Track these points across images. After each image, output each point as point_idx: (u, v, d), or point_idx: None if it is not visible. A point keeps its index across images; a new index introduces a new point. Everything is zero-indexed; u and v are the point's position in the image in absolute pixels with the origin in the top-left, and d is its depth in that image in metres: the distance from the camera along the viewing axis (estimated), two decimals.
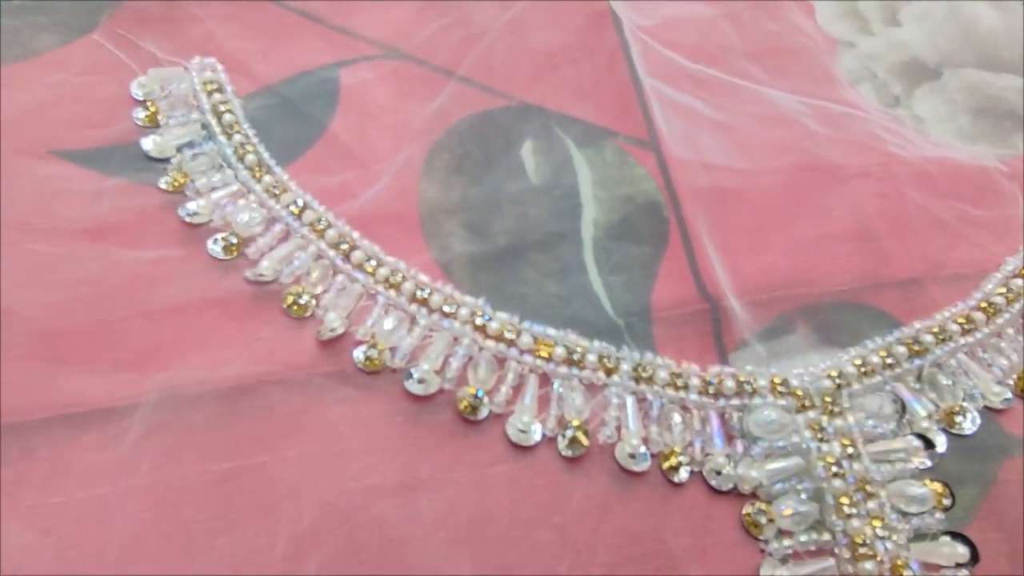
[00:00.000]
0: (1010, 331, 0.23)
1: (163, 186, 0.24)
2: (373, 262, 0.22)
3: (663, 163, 0.25)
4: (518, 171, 0.25)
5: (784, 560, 0.18)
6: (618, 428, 0.20)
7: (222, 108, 0.25)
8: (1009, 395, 0.22)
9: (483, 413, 0.20)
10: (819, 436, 0.20)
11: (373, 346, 0.21)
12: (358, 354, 0.20)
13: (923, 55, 0.31)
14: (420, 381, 0.20)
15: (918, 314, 0.23)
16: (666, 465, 0.19)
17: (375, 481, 0.18)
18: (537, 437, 0.20)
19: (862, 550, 0.18)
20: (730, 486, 0.19)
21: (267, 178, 0.24)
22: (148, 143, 0.24)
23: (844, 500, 0.19)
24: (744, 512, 0.19)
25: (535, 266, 0.23)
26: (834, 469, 0.19)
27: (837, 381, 0.21)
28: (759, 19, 0.30)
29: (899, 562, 0.18)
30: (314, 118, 0.26)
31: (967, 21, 0.32)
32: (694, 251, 0.23)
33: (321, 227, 0.23)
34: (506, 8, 0.28)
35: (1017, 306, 0.23)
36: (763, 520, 0.19)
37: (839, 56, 0.30)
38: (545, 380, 0.21)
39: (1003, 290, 0.24)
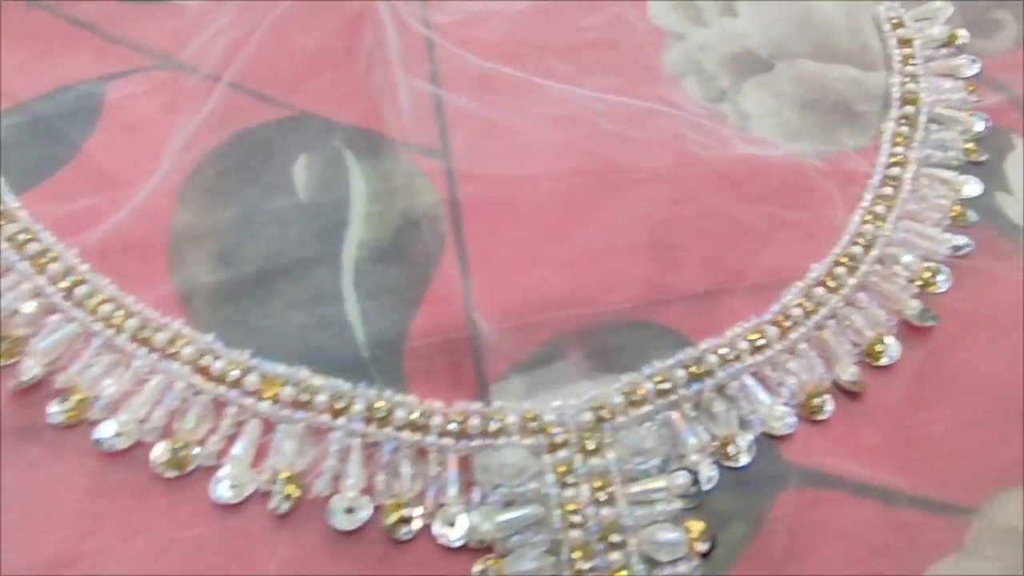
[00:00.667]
0: (803, 346, 0.21)
1: None
2: (97, 298, 0.20)
3: (450, 172, 0.23)
4: (285, 188, 0.23)
5: None
6: (336, 478, 0.18)
7: None
8: (792, 419, 0.20)
9: (191, 466, 0.18)
10: (565, 480, 0.18)
11: (68, 396, 0.18)
12: (52, 406, 0.18)
13: (757, 46, 0.29)
14: (117, 434, 0.18)
15: (710, 331, 0.21)
16: (389, 520, 0.17)
17: (27, 559, 0.16)
18: (248, 492, 0.17)
19: None
20: (462, 541, 0.17)
21: None
22: None
23: (577, 555, 0.17)
24: (474, 570, 0.17)
25: (284, 295, 0.21)
26: (573, 519, 0.17)
27: (599, 414, 0.19)
28: (579, 13, 0.28)
29: None
30: (66, 137, 0.24)
31: (805, 10, 0.30)
32: (468, 271, 0.21)
33: (44, 260, 0.21)
34: (271, 8, 0.25)
35: (815, 318, 0.21)
36: None
37: (666, 49, 0.28)
38: (269, 427, 0.18)
39: (802, 300, 0.22)
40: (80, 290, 0.20)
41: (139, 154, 0.24)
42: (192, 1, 0.26)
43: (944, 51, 0.29)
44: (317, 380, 0.19)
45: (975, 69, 0.28)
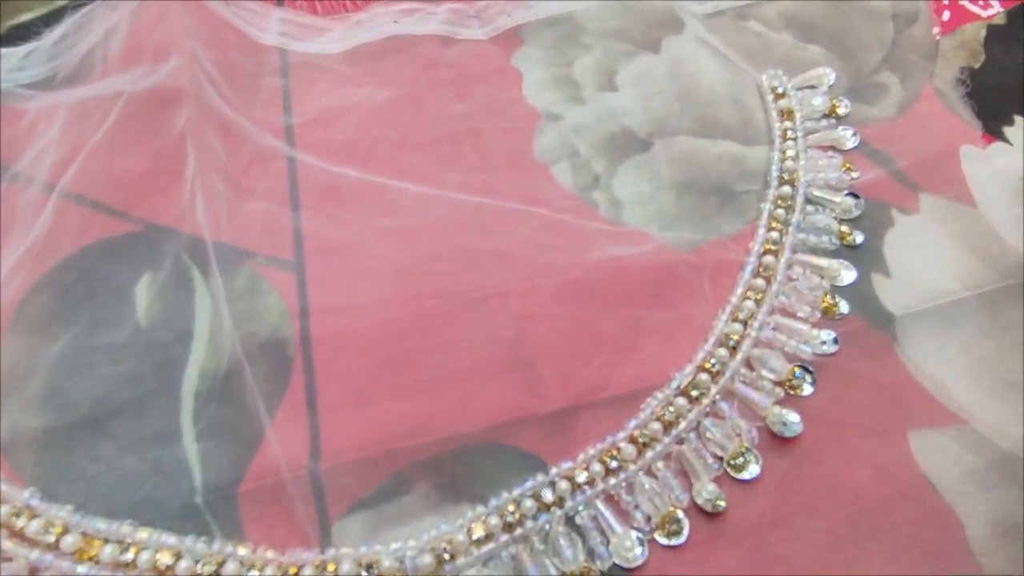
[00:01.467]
0: (660, 464, 0.22)
1: None
2: None
3: (303, 287, 0.24)
4: (123, 317, 0.23)
5: None
6: None
7: None
8: (641, 550, 0.21)
9: None
10: None
11: None
12: None
13: (635, 124, 0.30)
14: None
15: (566, 452, 0.22)
16: None
17: None
18: None
19: None
20: None
21: None
22: None
23: None
24: None
25: (116, 437, 0.21)
26: None
27: (441, 555, 0.20)
28: (444, 100, 0.29)
29: None
30: None
31: (689, 79, 0.32)
32: (315, 401, 0.22)
33: None
34: (97, 125, 0.26)
35: (675, 432, 0.22)
36: None
37: (539, 134, 0.30)
38: None
39: (662, 413, 0.23)
40: None
41: None
42: (28, 105, 0.27)
43: (825, 122, 0.31)
44: (142, 534, 0.19)
45: (855, 142, 0.30)
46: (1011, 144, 0.31)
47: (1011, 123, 0.32)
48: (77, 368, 0.22)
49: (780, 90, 0.32)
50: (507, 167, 0.27)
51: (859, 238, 0.28)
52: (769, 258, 0.27)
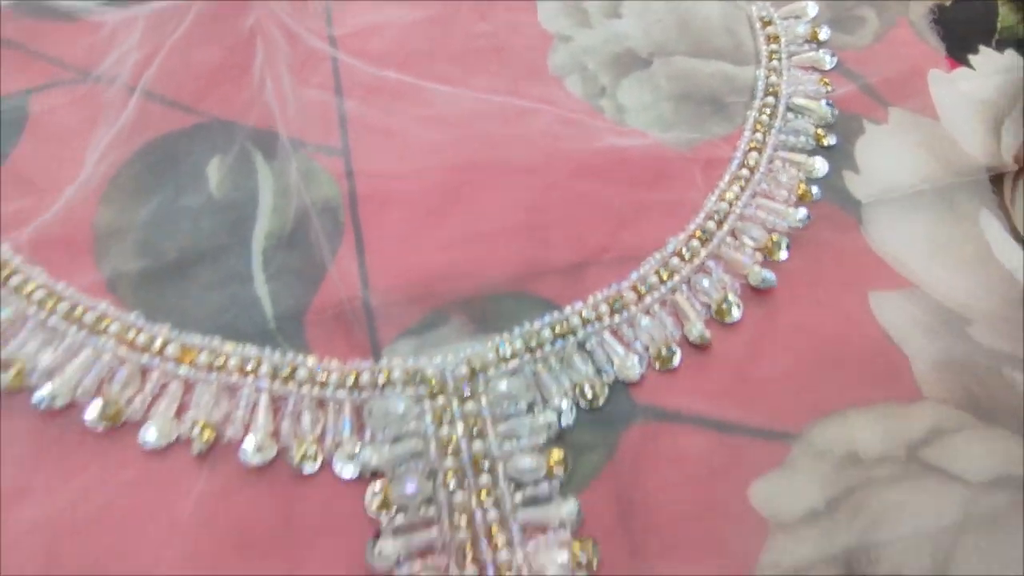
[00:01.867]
0: (657, 308, 0.27)
1: None
2: (30, 285, 0.25)
3: (349, 168, 0.29)
4: (200, 187, 0.29)
5: (396, 533, 0.22)
6: (247, 425, 0.23)
7: None
8: (641, 367, 0.26)
9: (120, 421, 0.23)
10: (441, 420, 0.24)
11: (8, 368, 0.24)
12: None
13: (637, 46, 0.36)
14: (54, 396, 0.23)
15: (576, 298, 0.27)
16: (295, 457, 0.23)
17: None
18: (171, 439, 0.23)
19: (458, 519, 0.22)
20: (356, 473, 0.23)
21: None
22: None
23: (450, 476, 0.22)
24: (367, 495, 0.23)
25: (199, 279, 0.27)
26: (448, 450, 0.23)
27: (474, 367, 0.25)
28: (470, 20, 0.34)
29: (493, 528, 0.22)
30: None
31: (685, 11, 0.37)
32: (364, 252, 0.27)
33: None
34: (174, 26, 0.31)
35: (670, 284, 0.28)
36: (381, 499, 0.22)
37: (552, 52, 0.35)
38: (189, 387, 0.24)
39: (659, 269, 0.28)
40: (14, 279, 0.26)
41: (63, 161, 0.29)
42: (104, 18, 0.32)
43: (807, 47, 0.36)
44: (228, 346, 0.25)
45: (832, 63, 0.35)
46: (974, 69, 0.37)
47: (976, 52, 0.38)
48: (164, 225, 0.28)
49: (767, 19, 0.37)
50: (526, 77, 0.33)
51: (832, 140, 0.33)
52: (754, 154, 0.32)
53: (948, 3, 0.40)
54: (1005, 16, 0.39)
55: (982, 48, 0.38)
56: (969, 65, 0.37)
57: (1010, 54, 0.37)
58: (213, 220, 0.28)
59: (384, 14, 0.33)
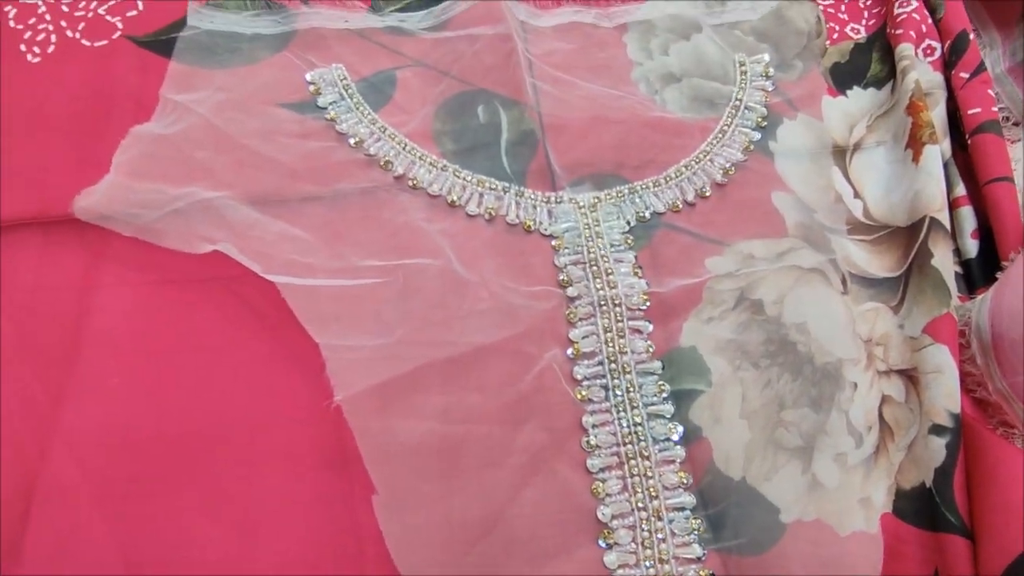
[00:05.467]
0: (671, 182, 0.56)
1: None
2: (396, 134, 0.55)
3: (539, 114, 0.58)
4: (475, 116, 0.57)
5: None
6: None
7: None
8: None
9: None
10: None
11: None
12: None
13: (675, 70, 0.64)
14: None
15: (646, 178, 0.56)
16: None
17: None
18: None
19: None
20: None
21: None
22: None
23: None
24: None
25: (478, 155, 0.55)
26: None
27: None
28: (595, 49, 0.63)
29: None
30: (384, 93, 0.58)
31: (702, 54, 0.65)
32: (550, 151, 0.56)
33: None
34: (474, 43, 0.60)
35: (681, 176, 0.56)
36: None
37: (632, 70, 0.63)
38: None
39: (677, 169, 0.57)
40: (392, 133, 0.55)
41: (411, 106, 0.58)
42: (425, 36, 0.61)
43: (761, 78, 0.64)
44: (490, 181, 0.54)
45: (772, 87, 0.63)
46: (847, 98, 0.64)
47: (851, 88, 0.65)
48: (461, 131, 0.56)
49: (742, 61, 0.65)
50: (621, 82, 0.61)
51: (765, 124, 0.61)
52: (725, 128, 0.60)
53: (843, 62, 0.67)
54: (874, 67, 0.67)
55: (855, 87, 0.65)
56: (845, 95, 0.64)
57: (871, 91, 0.65)
58: (482, 131, 0.57)
59: (559, 45, 0.62)
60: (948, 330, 0.46)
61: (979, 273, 0.53)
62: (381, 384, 0.41)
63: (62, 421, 0.41)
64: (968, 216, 0.55)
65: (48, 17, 0.59)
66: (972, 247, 0.54)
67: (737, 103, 0.62)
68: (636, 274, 0.50)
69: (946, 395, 0.44)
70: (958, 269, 0.54)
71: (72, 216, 0.47)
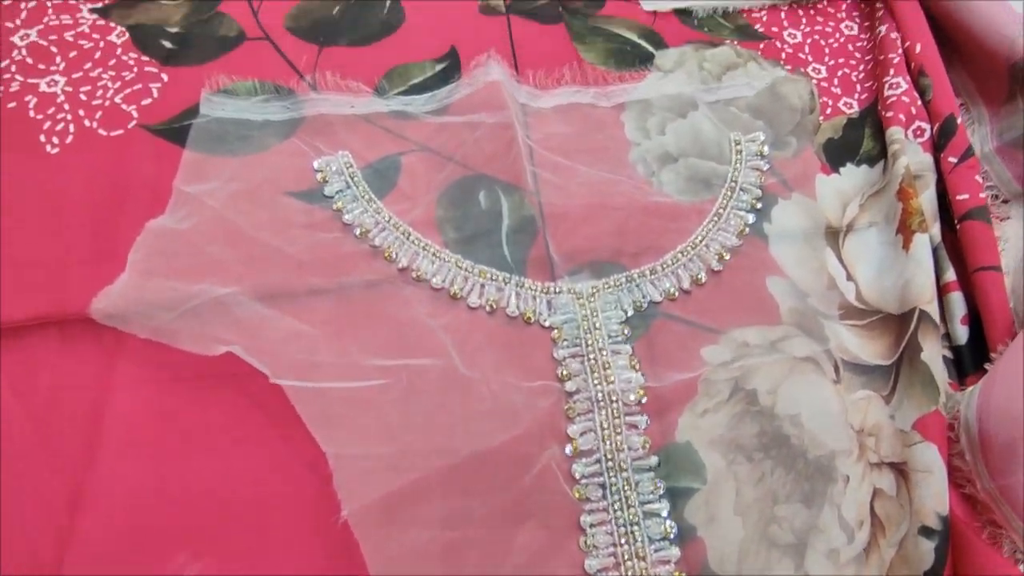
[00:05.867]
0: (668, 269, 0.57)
1: None
2: (410, 232, 0.56)
3: (539, 201, 0.59)
4: (477, 202, 0.59)
5: None
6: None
7: None
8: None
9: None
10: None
11: None
12: None
13: (672, 150, 0.65)
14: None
15: (643, 265, 0.57)
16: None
17: None
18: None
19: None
20: None
21: None
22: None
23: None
24: None
25: (478, 243, 0.57)
26: None
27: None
28: (593, 128, 0.64)
29: None
30: (389, 180, 0.59)
31: (698, 132, 0.66)
32: (549, 237, 0.57)
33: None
34: (476, 129, 0.61)
35: (678, 261, 0.57)
36: None
37: (631, 149, 0.64)
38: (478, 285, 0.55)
39: (675, 255, 0.58)
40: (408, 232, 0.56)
41: (415, 192, 0.59)
42: (428, 120, 0.62)
43: (756, 157, 0.65)
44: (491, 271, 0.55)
45: (767, 166, 0.64)
46: (840, 175, 0.65)
47: (844, 165, 0.66)
48: (463, 218, 0.58)
49: (737, 140, 0.66)
50: (618, 164, 0.62)
51: (759, 205, 0.62)
52: (721, 209, 0.61)
53: (836, 137, 0.68)
54: (866, 143, 0.68)
55: (848, 163, 0.66)
56: (839, 172, 0.65)
57: (864, 168, 0.66)
58: (483, 218, 0.58)
59: (558, 128, 0.63)
60: (937, 428, 0.47)
61: (969, 359, 0.54)
62: (385, 495, 0.43)
63: (80, 521, 0.42)
64: (958, 302, 0.56)
65: (67, 107, 0.61)
66: (962, 333, 0.55)
67: (733, 184, 0.63)
68: (633, 367, 0.51)
69: (935, 496, 0.45)
70: (949, 354, 0.54)
71: (89, 316, 0.49)
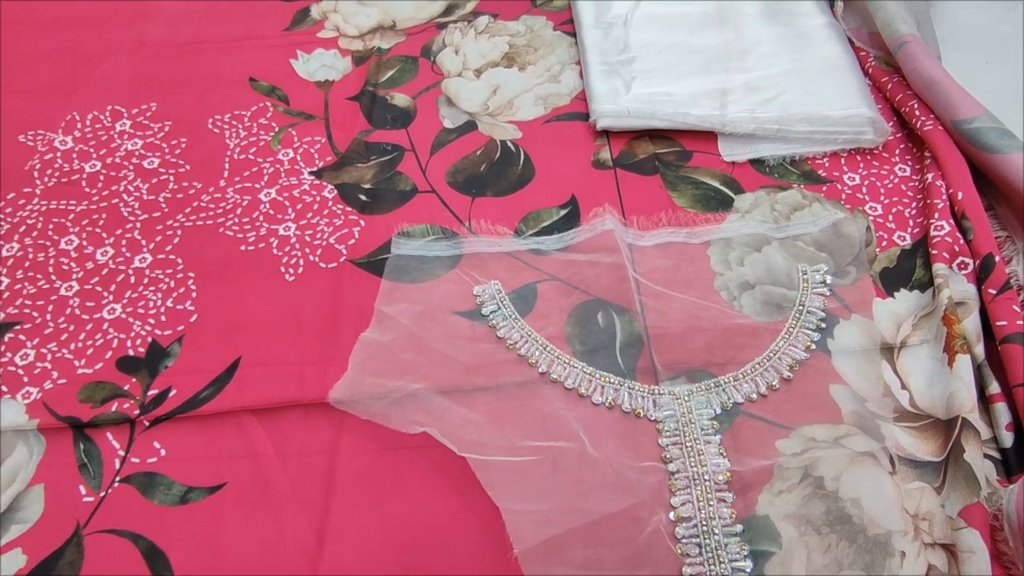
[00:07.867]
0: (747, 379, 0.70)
1: None
2: (525, 334, 0.72)
3: (645, 322, 0.74)
4: (596, 322, 0.75)
5: None
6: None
7: None
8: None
9: None
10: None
11: None
12: None
13: (748, 279, 0.79)
14: None
15: (727, 373, 0.71)
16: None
17: None
18: None
19: None
20: None
21: None
22: None
23: None
24: None
25: (600, 354, 0.72)
26: None
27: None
28: (686, 263, 0.80)
29: None
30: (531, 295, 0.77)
31: (771, 265, 0.80)
32: (653, 352, 0.72)
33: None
34: (596, 267, 0.78)
35: (755, 373, 0.71)
36: None
37: (716, 278, 0.79)
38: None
39: (752, 367, 0.71)
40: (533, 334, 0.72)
41: (549, 312, 0.75)
42: (556, 256, 0.80)
43: (821, 285, 0.78)
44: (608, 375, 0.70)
45: (829, 292, 0.77)
46: (895, 299, 0.77)
47: (898, 290, 0.78)
48: (586, 333, 0.73)
49: (804, 270, 0.79)
50: (703, 292, 0.77)
51: (823, 325, 0.74)
52: (790, 329, 0.74)
53: (892, 266, 0.81)
54: (918, 271, 0.79)
55: (902, 289, 0.78)
56: (893, 296, 0.78)
57: (915, 293, 0.77)
58: (602, 335, 0.73)
59: (657, 263, 0.79)
60: (979, 517, 0.57)
61: (1014, 460, 0.63)
62: (544, 541, 0.57)
63: (326, 549, 0.58)
64: (1003, 411, 0.65)
65: (298, 246, 0.82)
66: (1007, 438, 0.64)
67: (800, 307, 0.76)
68: (721, 454, 0.64)
69: (979, 573, 0.54)
70: (996, 455, 0.64)
71: (325, 401, 0.67)
